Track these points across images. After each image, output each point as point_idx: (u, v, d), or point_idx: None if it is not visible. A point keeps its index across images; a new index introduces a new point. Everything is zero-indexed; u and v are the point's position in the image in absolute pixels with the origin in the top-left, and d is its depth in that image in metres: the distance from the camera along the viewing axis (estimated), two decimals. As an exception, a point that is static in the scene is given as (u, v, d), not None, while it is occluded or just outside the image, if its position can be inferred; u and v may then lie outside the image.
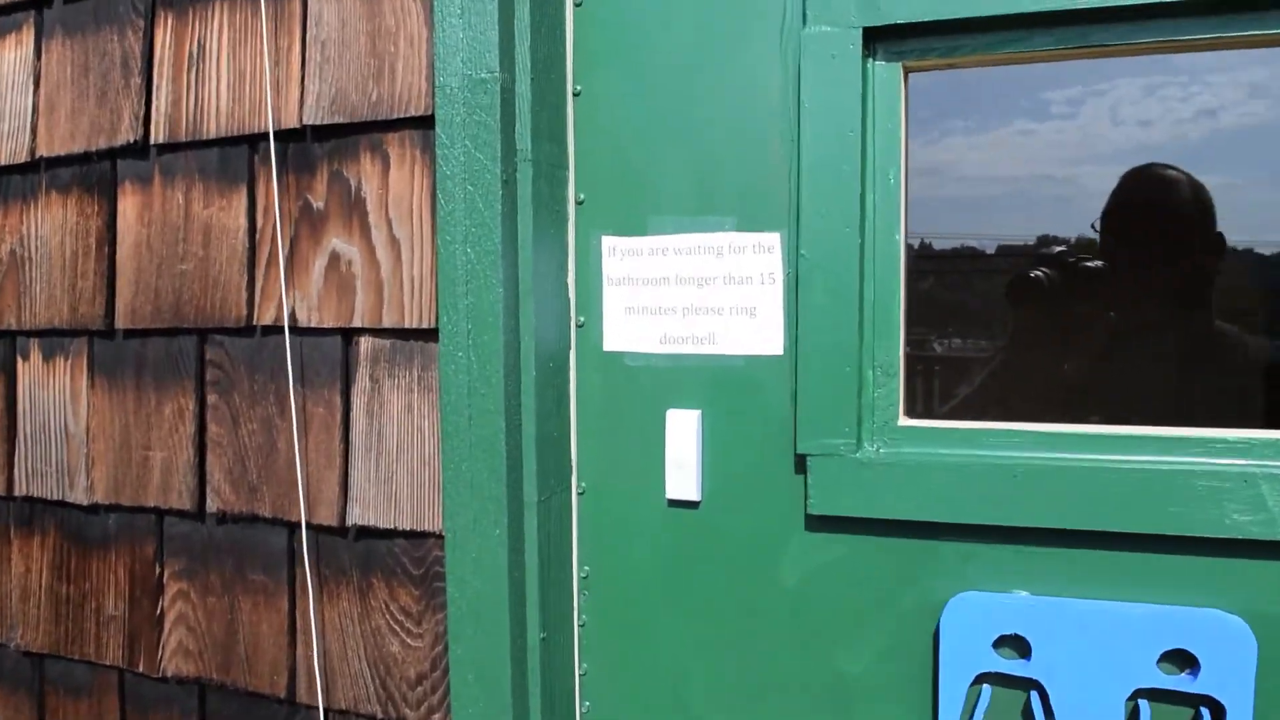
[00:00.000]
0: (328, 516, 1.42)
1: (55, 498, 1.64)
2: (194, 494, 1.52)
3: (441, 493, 1.35)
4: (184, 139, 1.48)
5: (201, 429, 1.51)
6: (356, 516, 1.41)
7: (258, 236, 1.45)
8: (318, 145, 1.41)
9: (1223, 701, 1.17)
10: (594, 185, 1.42)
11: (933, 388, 1.67)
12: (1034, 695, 1.25)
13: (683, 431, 1.38)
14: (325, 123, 1.38)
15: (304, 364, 1.44)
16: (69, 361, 1.62)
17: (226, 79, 1.46)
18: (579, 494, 1.45)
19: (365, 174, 1.38)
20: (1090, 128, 1.60)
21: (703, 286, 1.37)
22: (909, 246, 1.32)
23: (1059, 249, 1.59)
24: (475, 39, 1.27)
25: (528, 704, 1.36)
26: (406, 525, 1.38)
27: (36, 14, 1.61)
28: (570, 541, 1.45)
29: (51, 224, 1.61)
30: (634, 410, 1.42)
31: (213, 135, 1.46)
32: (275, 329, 1.44)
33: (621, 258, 1.41)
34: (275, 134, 1.41)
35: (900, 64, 1.28)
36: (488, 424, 1.30)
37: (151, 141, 1.51)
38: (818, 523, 1.33)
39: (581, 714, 1.47)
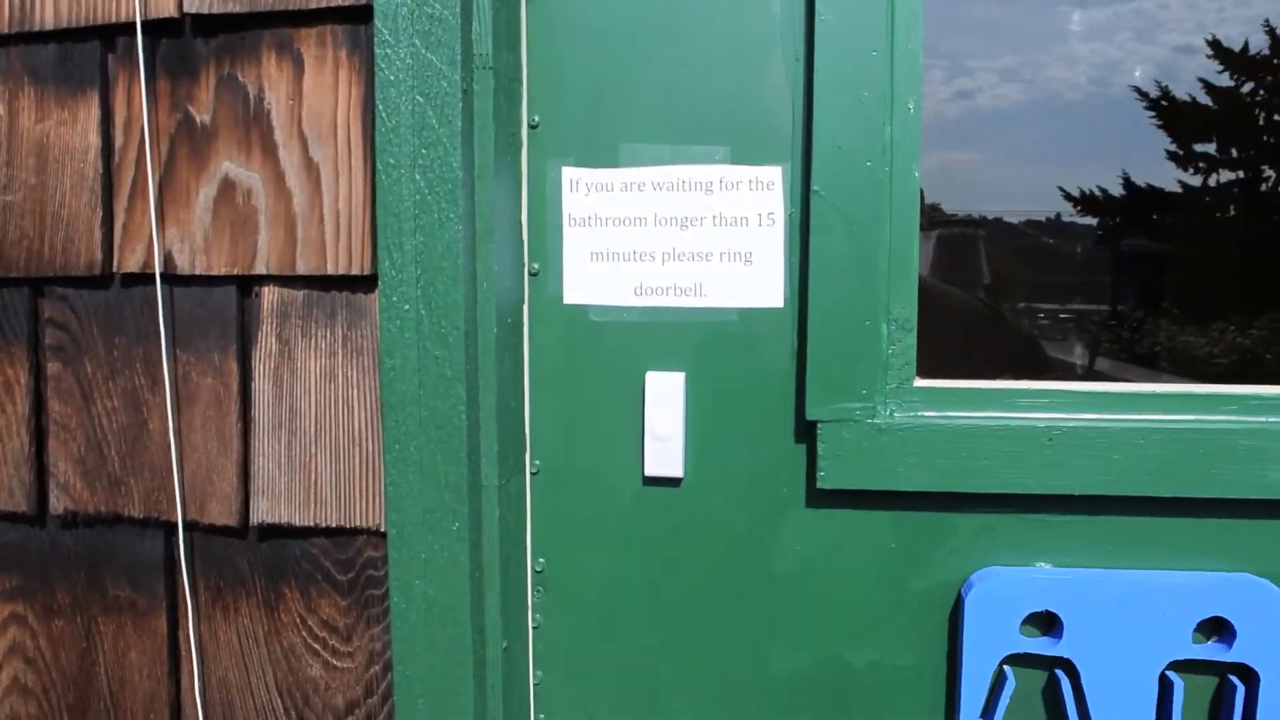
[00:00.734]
0: (222, 514, 1.13)
1: None
2: (29, 491, 1.17)
3: (381, 479, 1.09)
4: (7, 30, 1.12)
5: (39, 408, 1.17)
6: (263, 513, 1.12)
7: (115, 160, 1.12)
8: (201, 42, 1.09)
9: (1257, 669, 1.10)
10: (552, 106, 1.18)
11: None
12: (1062, 676, 1.14)
13: (664, 397, 1.18)
14: (214, 11, 1.07)
15: (185, 322, 1.13)
16: None
17: (66, -50, 1.11)
18: (532, 474, 1.23)
19: (269, 79, 1.08)
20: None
21: (687, 228, 1.17)
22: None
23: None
24: (427, -92, 1.01)
25: (488, 727, 1.14)
26: (330, 521, 1.11)
27: None
28: (525, 531, 1.23)
29: None
30: (600, 374, 1.20)
31: (50, 26, 1.11)
32: (143, 277, 1.13)
33: (586, 193, 1.18)
34: (144, 25, 1.08)
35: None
36: (444, 393, 1.05)
37: (-44, 31, 1.14)
38: (823, 498, 1.17)
39: (537, 730, 1.26)
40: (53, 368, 1.16)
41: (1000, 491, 1.12)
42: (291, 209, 1.08)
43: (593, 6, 1.15)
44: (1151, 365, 2.56)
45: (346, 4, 1.04)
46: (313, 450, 1.11)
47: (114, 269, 1.13)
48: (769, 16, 1.13)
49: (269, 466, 1.12)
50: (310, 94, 1.07)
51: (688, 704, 1.23)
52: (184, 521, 1.15)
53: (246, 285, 1.12)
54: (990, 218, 2.02)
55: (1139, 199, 2.80)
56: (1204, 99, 2.86)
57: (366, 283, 1.08)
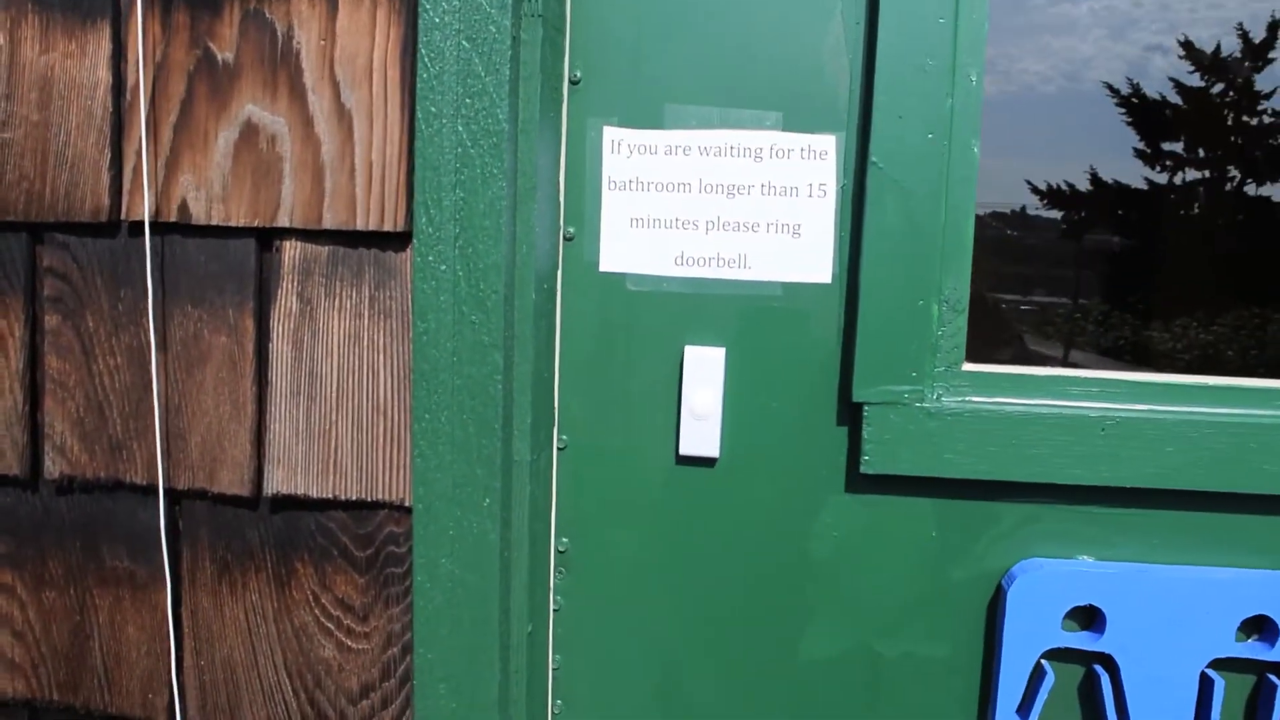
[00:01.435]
0: (234, 483, 1.06)
1: None
2: (22, 453, 1.09)
3: (407, 451, 1.03)
4: (8, -51, 1.04)
5: (35, 363, 1.09)
6: (278, 483, 1.05)
7: (127, 97, 1.04)
8: (225, -27, 1.02)
9: (1299, 669, 1.09)
10: (595, 61, 1.11)
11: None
12: (1101, 672, 1.11)
13: (703, 374, 1.12)
14: (241, -60, 0.99)
15: (199, 275, 1.05)
16: None
17: None
18: (559, 450, 1.17)
19: (299, 17, 1.01)
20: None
21: (734, 197, 1.11)
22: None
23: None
24: None
25: (510, 713, 1.08)
26: (350, 494, 1.05)
27: None
28: (550, 509, 1.17)
29: None
30: (636, 346, 1.15)
31: (56, -53, 1.03)
32: (155, 226, 1.05)
33: (628, 154, 1.12)
34: (163, -49, 1.00)
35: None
36: (480, 361, 0.99)
37: (-49, -50, 1.05)
38: (865, 483, 1.13)
39: (554, 715, 1.21)
40: (51, 321, 1.08)
41: (1048, 481, 1.08)
42: (320, 158, 1.01)
43: (643, -43, 1.09)
44: (1116, 357, 2.58)
45: (388, -61, 0.97)
46: (334, 418, 1.05)
47: (122, 216, 1.05)
48: (830, -24, 1.07)
49: (285, 433, 1.05)
50: (344, 34, 1.00)
51: (711, 693, 1.19)
52: (202, 490, 1.07)
53: (267, 238, 1.04)
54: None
55: (1106, 194, 2.81)
56: (1174, 98, 2.87)
57: (398, 240, 1.01)
